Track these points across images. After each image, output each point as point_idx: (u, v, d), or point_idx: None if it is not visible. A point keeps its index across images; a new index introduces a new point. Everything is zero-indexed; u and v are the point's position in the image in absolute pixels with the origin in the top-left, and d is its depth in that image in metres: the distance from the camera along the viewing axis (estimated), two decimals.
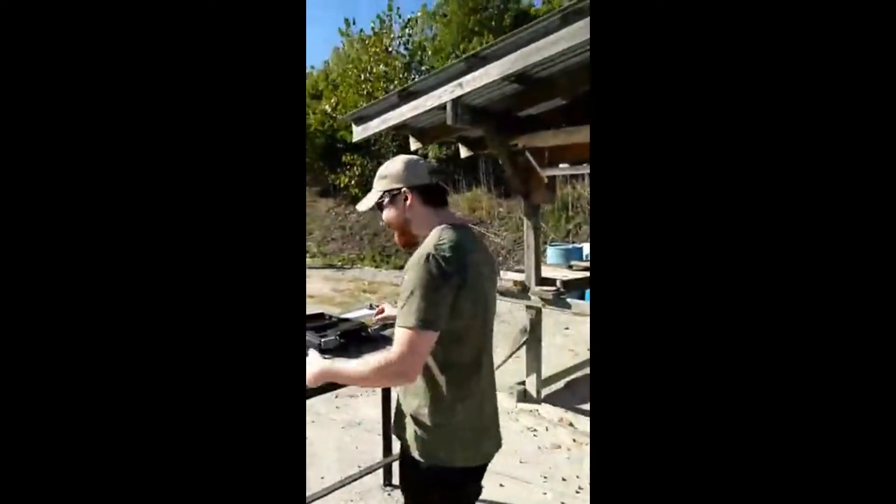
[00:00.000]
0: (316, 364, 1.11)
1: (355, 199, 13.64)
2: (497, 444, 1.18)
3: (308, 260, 11.49)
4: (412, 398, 1.08)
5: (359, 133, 3.02)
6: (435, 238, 1.04)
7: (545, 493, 2.19)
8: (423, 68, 10.76)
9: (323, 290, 7.33)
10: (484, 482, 2.19)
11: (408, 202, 1.12)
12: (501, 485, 2.26)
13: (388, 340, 1.58)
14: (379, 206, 1.16)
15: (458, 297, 0.99)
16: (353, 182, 12.41)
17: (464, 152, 3.58)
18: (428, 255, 0.99)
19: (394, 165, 1.15)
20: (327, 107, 12.63)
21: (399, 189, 1.13)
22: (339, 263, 10.95)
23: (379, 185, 1.16)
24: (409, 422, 1.08)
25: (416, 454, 1.06)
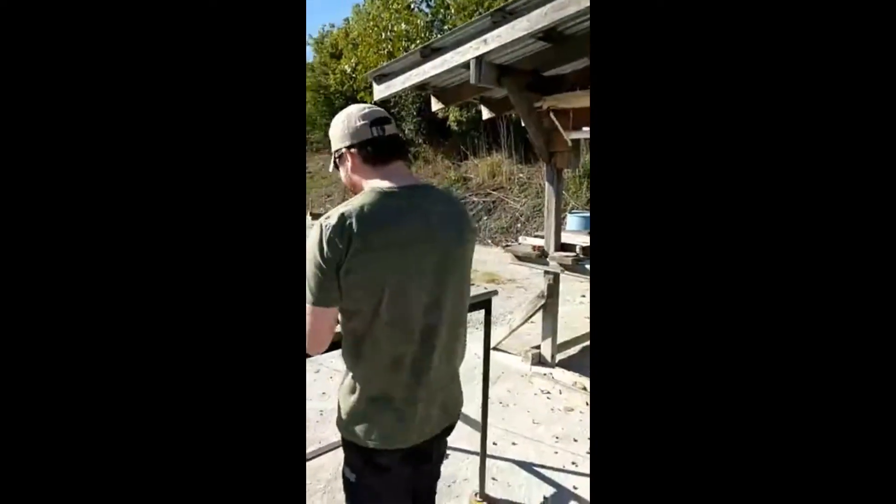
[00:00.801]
0: None
1: None
2: (413, 435, 1.01)
3: None
4: (345, 364, 1.04)
5: (380, 92, 2.96)
6: (345, 204, 0.93)
7: (556, 453, 2.24)
8: (445, 27, 10.44)
9: None
10: (497, 441, 2.27)
11: (349, 163, 1.01)
12: (514, 443, 2.31)
13: None
14: (337, 168, 1.06)
15: (345, 270, 0.88)
16: None
17: (486, 113, 3.50)
18: (317, 225, 0.90)
19: (334, 123, 1.03)
20: (347, 67, 12.43)
21: (340, 150, 1.01)
22: None
23: (332, 147, 1.05)
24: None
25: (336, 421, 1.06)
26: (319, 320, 0.92)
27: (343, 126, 1.00)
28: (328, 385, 2.87)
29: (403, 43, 10.30)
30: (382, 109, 1.03)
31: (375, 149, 0.98)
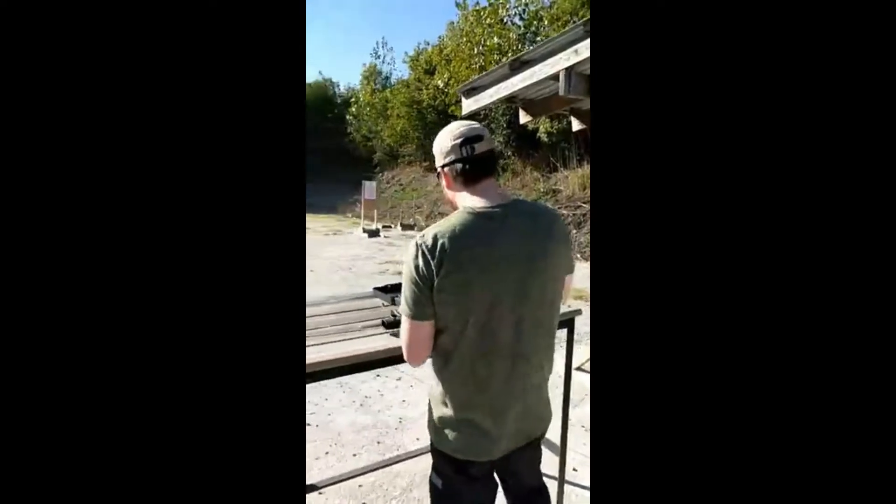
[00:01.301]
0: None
1: None
2: (500, 448, 1.04)
3: (414, 232, 11.94)
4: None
5: (468, 106, 3.00)
6: (439, 224, 0.97)
7: None
8: (537, 39, 10.37)
9: None
10: (577, 467, 2.16)
11: (444, 182, 1.06)
12: (575, 469, 2.18)
13: None
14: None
15: (437, 289, 0.92)
16: None
17: (576, 125, 3.41)
18: (413, 244, 0.95)
19: (435, 141, 1.08)
20: (440, 82, 12.80)
21: (437, 169, 1.08)
22: None
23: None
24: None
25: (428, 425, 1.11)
26: (416, 333, 0.97)
27: (439, 145, 1.05)
28: (409, 393, 2.92)
29: (496, 56, 10.39)
30: (479, 127, 1.05)
31: (464, 168, 1.00)
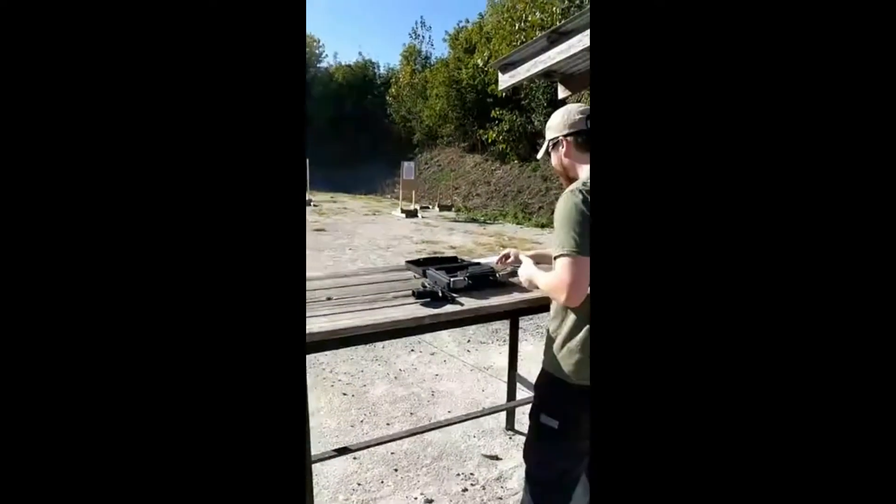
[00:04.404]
0: (528, 267, 1.42)
1: (502, 155, 13.65)
2: None
3: (452, 214, 11.94)
4: (551, 319, 1.24)
5: (504, 81, 2.94)
6: (583, 177, 1.18)
7: None
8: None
9: (465, 242, 7.58)
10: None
11: (563, 149, 1.23)
12: None
13: (515, 286, 1.58)
14: (548, 155, 1.30)
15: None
16: (500, 137, 12.35)
17: None
18: (572, 190, 1.11)
19: (554, 117, 1.27)
20: (479, 61, 12.60)
21: (557, 138, 1.24)
22: (482, 218, 11.17)
23: (547, 136, 1.30)
24: (548, 338, 1.25)
25: (544, 364, 1.25)
26: (583, 268, 1.08)
27: (563, 118, 1.24)
28: (442, 369, 2.97)
29: (538, 33, 10.12)
30: None
31: (588, 138, 1.20)
